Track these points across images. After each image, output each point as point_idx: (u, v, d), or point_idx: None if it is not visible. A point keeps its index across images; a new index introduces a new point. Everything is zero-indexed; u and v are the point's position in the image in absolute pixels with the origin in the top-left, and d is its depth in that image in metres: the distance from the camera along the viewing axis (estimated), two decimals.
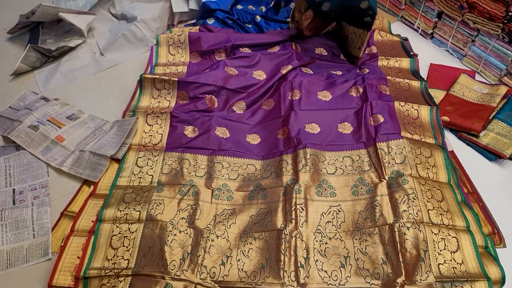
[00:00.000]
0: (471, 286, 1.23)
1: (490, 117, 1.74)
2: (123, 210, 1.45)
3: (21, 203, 1.61)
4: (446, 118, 1.77)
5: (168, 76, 1.86)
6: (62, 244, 1.42)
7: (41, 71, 2.17)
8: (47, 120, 1.86)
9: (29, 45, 2.14)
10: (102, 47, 2.26)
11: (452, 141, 1.74)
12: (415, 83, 1.87)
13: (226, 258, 1.35)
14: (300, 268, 1.30)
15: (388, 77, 1.86)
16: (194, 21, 2.33)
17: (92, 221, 1.47)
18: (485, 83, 1.94)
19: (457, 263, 1.28)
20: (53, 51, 2.19)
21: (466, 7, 1.93)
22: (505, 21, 1.80)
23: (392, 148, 1.56)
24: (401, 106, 1.71)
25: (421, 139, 1.62)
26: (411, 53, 2.08)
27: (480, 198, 1.53)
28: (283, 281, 1.27)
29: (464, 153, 1.70)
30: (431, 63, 2.08)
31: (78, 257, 1.38)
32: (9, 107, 1.97)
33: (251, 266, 1.33)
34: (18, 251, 1.47)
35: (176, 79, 1.82)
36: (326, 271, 1.30)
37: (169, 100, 1.84)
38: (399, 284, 1.24)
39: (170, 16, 2.39)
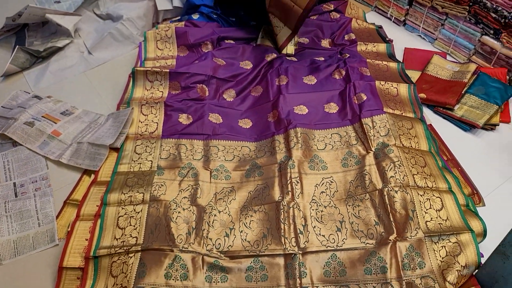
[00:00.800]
0: (456, 238, 1.35)
1: (463, 92, 1.89)
2: (127, 193, 1.51)
3: (23, 195, 1.65)
4: (423, 95, 1.90)
5: (159, 68, 1.93)
6: (69, 229, 1.47)
7: (30, 71, 2.20)
8: (42, 116, 1.90)
9: (17, 46, 2.18)
10: (90, 46, 2.31)
11: (429, 115, 1.88)
12: (393, 65, 2.00)
13: (229, 230, 1.43)
14: (299, 234, 1.39)
15: (367, 60, 1.99)
16: (178, 17, 2.41)
17: (97, 206, 1.52)
18: (456, 62, 2.09)
19: (443, 219, 1.40)
20: (42, 51, 2.23)
21: None
22: (471, 4, 1.95)
23: (376, 123, 1.67)
24: (382, 85, 1.84)
25: (402, 113, 1.74)
26: (387, 39, 2.21)
27: (458, 164, 1.66)
28: (284, 246, 1.36)
29: (441, 126, 1.83)
30: (405, 47, 2.22)
31: (86, 239, 1.43)
32: (2, 106, 2.00)
33: (253, 236, 1.42)
34: (24, 239, 1.51)
35: (168, 70, 1.90)
36: (324, 235, 1.40)
37: (161, 91, 1.91)
38: (392, 240, 1.34)
39: (154, 14, 2.46)
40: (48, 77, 2.17)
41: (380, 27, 2.32)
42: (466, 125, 1.81)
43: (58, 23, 2.28)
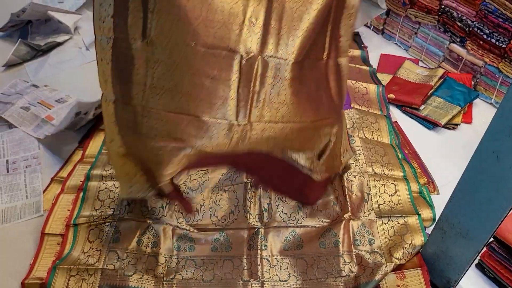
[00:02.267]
0: (404, 220, 1.47)
1: (429, 94, 2.02)
2: (108, 170, 1.65)
3: (14, 171, 1.78)
4: (391, 95, 2.04)
5: None
6: (53, 201, 1.60)
7: (31, 63, 2.36)
8: (38, 102, 2.05)
9: (20, 39, 2.34)
10: (88, 43, 2.47)
11: (396, 114, 2.01)
12: (365, 68, 2.15)
13: (200, 206, 1.56)
14: (264, 212, 1.51)
15: None
16: None
17: (81, 181, 1.66)
18: (426, 67, 2.24)
19: (394, 203, 1.52)
20: (42, 45, 2.39)
21: (408, 3, 2.24)
22: (439, 13, 2.11)
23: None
24: (352, 83, 1.98)
25: (368, 110, 1.88)
26: (362, 45, 2.36)
27: (418, 156, 1.79)
28: (248, 221, 1.49)
29: (407, 124, 1.96)
30: (381, 54, 2.37)
31: (68, 210, 1.56)
32: (1, 93, 2.15)
33: (221, 212, 1.54)
34: (12, 209, 1.64)
35: None
36: (286, 213, 1.52)
37: None
38: (346, 219, 1.47)
39: None
40: (47, 68, 2.33)
41: (357, 33, 2.46)
42: (430, 124, 1.94)
43: (59, 20, 2.45)
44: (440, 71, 2.11)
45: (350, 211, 1.49)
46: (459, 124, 1.94)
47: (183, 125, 1.12)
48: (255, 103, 1.12)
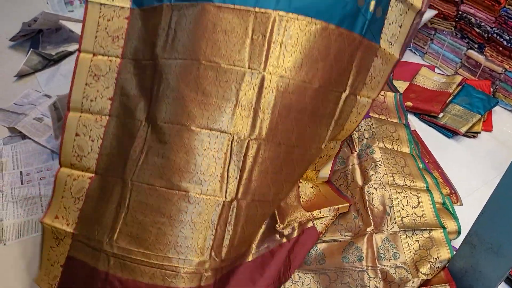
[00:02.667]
0: (429, 234, 1.43)
1: (448, 101, 1.99)
2: None
3: (28, 183, 1.76)
4: (409, 103, 2.00)
5: None
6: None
7: (42, 72, 2.35)
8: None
9: (31, 49, 2.33)
10: None
11: (415, 122, 1.98)
12: None
13: None
14: None
15: None
16: None
17: None
18: (443, 74, 2.20)
19: (418, 216, 1.48)
20: (54, 55, 2.38)
21: None
22: (457, 19, 2.07)
23: (361, 126, 1.77)
24: None
25: (387, 119, 1.84)
26: None
27: (439, 166, 1.75)
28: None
29: (426, 132, 1.93)
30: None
31: None
32: (14, 103, 2.14)
33: None
34: (28, 224, 1.62)
35: None
36: None
37: None
38: (369, 232, 1.43)
39: None
40: (59, 78, 2.31)
41: None
42: (449, 132, 1.90)
43: (70, 30, 2.44)
44: (458, 78, 2.07)
45: (372, 224, 1.45)
46: (480, 132, 1.90)
47: (174, 200, 1.15)
48: (243, 181, 1.18)
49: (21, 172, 1.80)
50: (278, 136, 1.21)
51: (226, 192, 1.17)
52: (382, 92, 1.96)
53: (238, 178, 1.18)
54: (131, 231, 1.16)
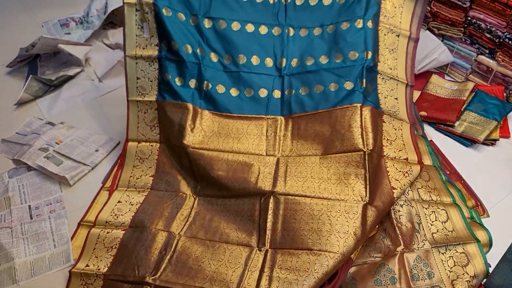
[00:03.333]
0: (463, 249, 1.38)
1: (462, 109, 1.95)
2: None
3: (38, 217, 1.69)
4: (423, 113, 1.96)
5: None
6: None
7: (43, 99, 2.28)
8: (56, 142, 1.96)
9: (31, 75, 2.26)
10: (100, 74, 2.40)
11: (431, 132, 1.93)
12: None
13: None
14: None
15: None
16: None
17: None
18: (454, 81, 2.17)
19: (449, 230, 1.43)
20: (54, 80, 2.31)
21: (430, 16, 2.18)
22: (465, 25, 2.05)
23: None
24: None
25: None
26: None
27: (461, 177, 1.71)
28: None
29: (443, 142, 1.89)
30: None
31: None
32: (16, 133, 2.07)
33: None
34: (41, 261, 1.54)
35: None
36: None
37: None
38: (399, 252, 1.38)
39: None
40: (60, 104, 2.25)
41: None
42: (467, 141, 1.86)
43: (69, 53, 2.38)
44: (470, 85, 2.04)
45: (402, 243, 1.40)
46: (498, 140, 1.86)
47: (215, 247, 1.44)
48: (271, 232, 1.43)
49: (29, 206, 1.73)
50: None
51: (258, 242, 1.42)
52: (396, 102, 1.92)
53: (269, 230, 1.43)
54: (174, 269, 1.38)
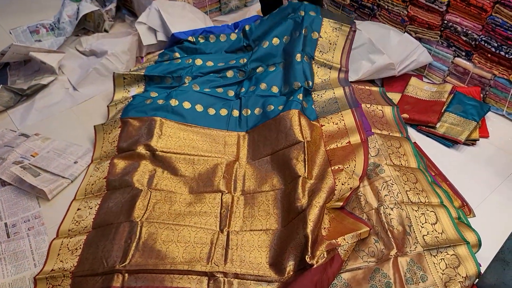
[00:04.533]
0: (453, 250, 1.40)
1: (442, 110, 1.99)
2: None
3: (15, 235, 1.60)
4: (405, 115, 1.99)
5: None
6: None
7: (15, 110, 2.18)
8: (31, 155, 1.87)
9: (1, 85, 2.15)
10: (75, 82, 2.32)
11: (413, 134, 1.96)
12: (375, 88, 2.09)
13: None
14: None
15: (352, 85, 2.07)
16: (162, 51, 2.45)
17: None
18: (432, 83, 2.21)
19: (438, 232, 1.45)
20: (26, 89, 2.21)
21: (407, 20, 2.22)
22: (442, 29, 2.09)
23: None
24: (367, 107, 1.91)
25: (389, 133, 1.81)
26: None
27: (446, 178, 1.74)
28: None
29: (426, 144, 1.91)
30: None
31: None
32: None
33: None
34: (20, 281, 1.46)
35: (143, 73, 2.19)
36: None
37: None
38: (393, 256, 1.38)
39: (138, 48, 2.50)
40: (34, 114, 2.15)
41: None
42: (449, 142, 1.90)
43: (42, 61, 2.29)
44: (448, 87, 2.08)
45: (395, 247, 1.40)
46: (478, 139, 1.91)
47: (180, 229, 1.51)
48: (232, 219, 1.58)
49: (6, 224, 1.64)
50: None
51: (220, 226, 1.54)
52: (380, 107, 1.94)
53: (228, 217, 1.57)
54: (142, 253, 1.42)
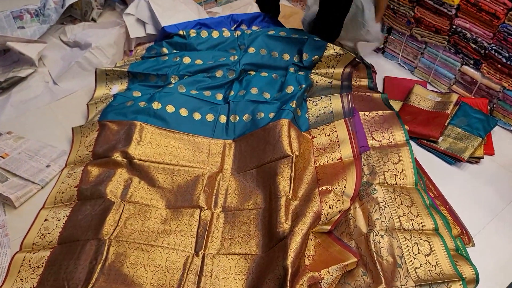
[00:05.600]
0: (447, 287, 1.27)
1: (446, 124, 1.84)
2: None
3: None
4: (406, 127, 1.84)
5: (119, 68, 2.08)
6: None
7: None
8: (1, 156, 1.75)
9: None
10: (55, 75, 2.17)
11: (414, 148, 1.81)
12: (376, 95, 1.94)
13: None
14: None
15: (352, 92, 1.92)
16: (152, 43, 2.30)
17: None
18: (437, 91, 2.05)
19: (432, 265, 1.32)
20: (2, 82, 2.08)
21: (413, 22, 2.05)
22: (450, 34, 1.92)
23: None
24: (366, 115, 1.77)
25: (390, 142, 1.67)
26: (371, 69, 2.14)
27: (446, 201, 1.60)
28: None
29: (426, 160, 1.77)
30: (385, 76, 2.17)
31: None
32: None
33: None
34: None
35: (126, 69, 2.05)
36: None
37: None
38: None
39: (126, 41, 2.34)
40: (9, 110, 2.02)
41: (360, 58, 2.25)
42: (451, 159, 1.76)
43: (20, 52, 2.14)
44: (454, 97, 1.93)
45: (383, 281, 1.27)
46: (482, 157, 1.76)
47: (151, 251, 1.39)
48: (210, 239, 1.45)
49: None
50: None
51: (195, 247, 1.42)
52: (381, 112, 1.79)
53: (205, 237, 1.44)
54: (107, 278, 1.30)
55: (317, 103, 1.85)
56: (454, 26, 1.88)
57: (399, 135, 1.71)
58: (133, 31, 2.29)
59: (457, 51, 1.95)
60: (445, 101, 1.93)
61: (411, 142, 1.83)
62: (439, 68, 2.07)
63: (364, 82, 2.05)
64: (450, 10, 1.85)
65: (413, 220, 1.43)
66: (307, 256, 1.33)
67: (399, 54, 2.24)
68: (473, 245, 1.48)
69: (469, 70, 1.94)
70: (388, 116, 1.78)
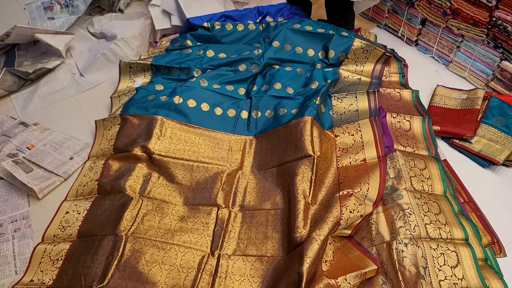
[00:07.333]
0: None
1: (479, 119, 1.73)
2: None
3: (0, 236, 1.53)
4: (437, 127, 1.74)
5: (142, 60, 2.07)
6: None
7: (18, 95, 2.09)
8: (27, 147, 1.78)
9: (4, 68, 2.06)
10: (82, 67, 2.19)
11: (444, 149, 1.72)
12: (406, 93, 1.84)
13: None
14: None
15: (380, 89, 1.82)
16: (177, 35, 2.28)
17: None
18: (461, 89, 1.92)
19: (458, 278, 1.24)
20: (31, 73, 2.11)
21: (449, 13, 1.92)
22: (489, 26, 1.79)
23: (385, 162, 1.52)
24: (393, 117, 1.68)
25: (414, 151, 1.58)
26: (402, 63, 2.03)
27: (477, 207, 1.51)
28: None
29: (457, 161, 1.67)
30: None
31: None
32: None
33: None
34: None
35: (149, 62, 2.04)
36: None
37: None
38: None
39: (151, 33, 2.33)
40: (37, 101, 2.05)
41: (392, 50, 2.12)
42: (485, 161, 1.65)
43: (48, 43, 2.17)
44: (481, 92, 1.81)
45: None
46: None
47: (166, 249, 1.39)
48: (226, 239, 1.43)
49: None
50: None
51: (211, 247, 1.41)
52: (408, 117, 1.70)
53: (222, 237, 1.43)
54: (123, 274, 1.30)
55: (342, 100, 1.78)
56: (494, 19, 1.75)
57: (424, 150, 1.60)
58: (158, 23, 2.28)
59: (497, 45, 1.81)
60: (472, 98, 1.81)
61: (442, 142, 1.74)
62: (476, 63, 1.94)
63: (395, 77, 1.95)
64: (490, 1, 1.71)
65: (441, 228, 1.35)
66: (324, 261, 1.28)
67: (433, 47, 2.12)
68: (505, 255, 1.39)
69: (509, 66, 1.80)
70: (414, 126, 1.69)
